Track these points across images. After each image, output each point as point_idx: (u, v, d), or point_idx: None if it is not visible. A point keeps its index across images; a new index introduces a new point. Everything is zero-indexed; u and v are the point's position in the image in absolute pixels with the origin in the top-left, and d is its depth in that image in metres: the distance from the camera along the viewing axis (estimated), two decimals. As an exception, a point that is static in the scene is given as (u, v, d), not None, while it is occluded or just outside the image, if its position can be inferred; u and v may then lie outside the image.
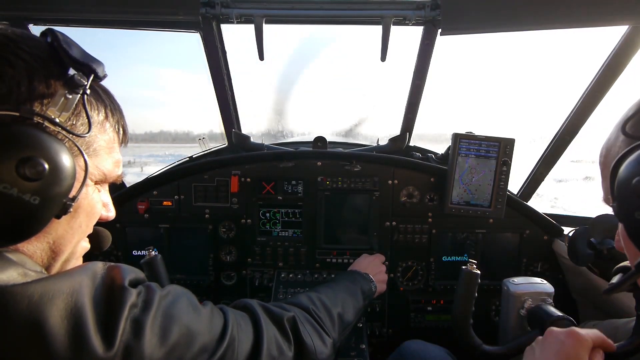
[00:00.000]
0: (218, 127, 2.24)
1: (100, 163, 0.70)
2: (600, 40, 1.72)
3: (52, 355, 0.50)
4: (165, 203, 1.83)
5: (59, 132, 0.59)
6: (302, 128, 2.67)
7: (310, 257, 1.85)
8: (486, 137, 1.67)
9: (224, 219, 1.85)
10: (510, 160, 1.65)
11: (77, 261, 0.74)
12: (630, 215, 0.48)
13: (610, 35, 1.67)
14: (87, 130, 0.64)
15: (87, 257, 0.71)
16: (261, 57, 1.73)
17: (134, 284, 0.65)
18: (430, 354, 1.35)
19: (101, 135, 0.69)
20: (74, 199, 0.61)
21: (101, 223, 0.78)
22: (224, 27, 1.78)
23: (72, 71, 0.60)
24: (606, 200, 0.67)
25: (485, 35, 1.67)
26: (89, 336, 0.53)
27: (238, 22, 1.67)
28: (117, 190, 1.89)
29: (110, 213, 0.80)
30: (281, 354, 0.85)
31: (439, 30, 1.65)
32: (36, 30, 1.66)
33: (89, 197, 0.69)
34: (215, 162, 1.84)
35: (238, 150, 2.14)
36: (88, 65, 0.62)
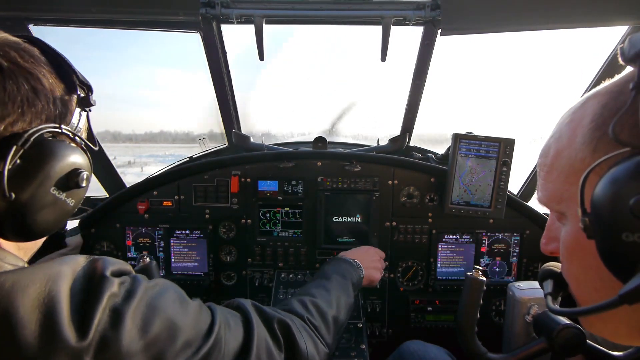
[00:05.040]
0: (218, 127, 2.24)
1: None
2: (600, 40, 1.72)
3: (22, 344, 0.50)
4: (165, 203, 1.83)
5: (80, 144, 0.69)
6: (302, 128, 2.67)
7: (311, 258, 1.85)
8: (486, 137, 1.67)
9: (224, 219, 1.85)
10: (511, 161, 1.65)
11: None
12: (614, 235, 0.42)
13: (610, 36, 1.67)
14: (95, 145, 0.73)
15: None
16: (261, 57, 1.73)
17: (118, 274, 0.65)
18: (430, 355, 1.35)
19: None
20: (82, 201, 0.69)
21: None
22: (224, 27, 1.78)
23: (80, 90, 0.69)
24: (547, 205, 0.60)
25: (485, 35, 1.68)
26: (61, 325, 0.52)
27: (238, 22, 1.67)
28: (117, 191, 1.90)
29: None
30: (271, 358, 0.83)
31: (439, 31, 1.65)
32: (36, 30, 1.66)
33: None
34: (216, 162, 1.84)
35: (238, 150, 2.14)
36: (89, 86, 0.71)
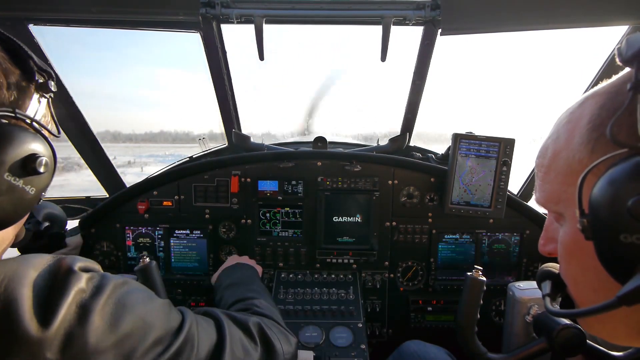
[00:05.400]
0: (218, 127, 2.24)
1: None
2: (600, 40, 1.72)
3: None
4: (165, 203, 1.83)
5: (40, 130, 0.66)
6: (301, 128, 2.67)
7: (311, 258, 1.85)
8: (486, 137, 1.67)
9: (224, 219, 1.85)
10: (511, 161, 1.65)
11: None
12: (612, 236, 0.41)
13: (610, 36, 1.67)
14: (57, 132, 0.71)
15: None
16: (261, 57, 1.73)
17: (86, 270, 0.65)
18: (430, 355, 1.35)
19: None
20: (45, 190, 0.68)
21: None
22: (224, 27, 1.78)
23: (38, 76, 0.66)
24: (545, 206, 0.60)
25: (485, 35, 1.67)
26: (21, 319, 0.52)
27: (238, 22, 1.67)
28: (117, 191, 1.90)
29: None
30: (247, 355, 0.86)
31: (439, 30, 1.65)
32: (36, 30, 1.66)
33: None
34: (216, 162, 1.84)
35: (238, 150, 2.14)
36: (49, 72, 0.68)
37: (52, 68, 0.72)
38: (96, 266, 0.69)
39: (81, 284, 0.61)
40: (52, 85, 0.68)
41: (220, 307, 1.17)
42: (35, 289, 0.56)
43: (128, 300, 0.65)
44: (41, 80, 0.66)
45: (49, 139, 0.68)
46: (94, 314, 0.59)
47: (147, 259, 1.34)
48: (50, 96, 0.69)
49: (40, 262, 0.61)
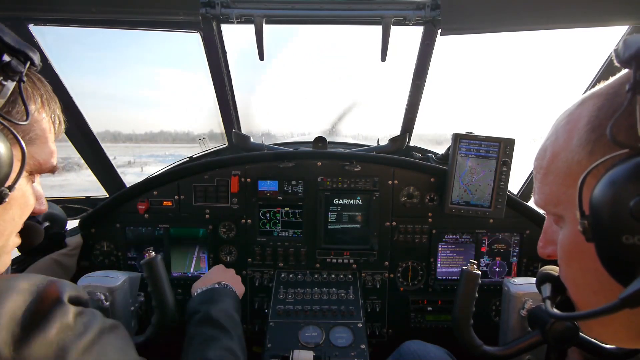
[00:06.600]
0: (218, 127, 2.24)
1: (36, 153, 0.68)
2: (601, 40, 1.72)
3: None
4: (165, 203, 1.83)
5: None
6: (302, 128, 2.67)
7: (311, 257, 1.85)
8: (486, 137, 1.67)
9: (224, 219, 1.85)
10: (511, 161, 1.65)
11: (7, 257, 0.71)
12: (613, 238, 0.41)
13: (610, 36, 1.67)
14: (24, 118, 0.62)
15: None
16: (261, 57, 1.73)
17: (75, 301, 0.60)
18: (430, 354, 1.35)
19: (37, 124, 0.67)
20: (10, 187, 0.59)
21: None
22: (224, 27, 1.78)
23: (7, 57, 0.59)
24: (544, 208, 0.60)
25: (485, 35, 1.67)
26: None
27: (238, 22, 1.67)
28: (117, 191, 1.90)
29: (43, 206, 0.76)
30: None
31: (439, 30, 1.65)
32: (36, 30, 1.66)
33: (22, 188, 0.66)
34: (216, 162, 1.84)
35: (238, 150, 2.14)
36: (24, 52, 0.61)
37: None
38: (85, 296, 0.64)
39: (67, 319, 0.56)
40: (17, 65, 0.60)
41: (190, 345, 1.08)
42: (17, 311, 0.52)
43: (109, 350, 0.61)
44: (10, 61, 0.59)
45: (16, 127, 0.61)
46: (71, 357, 0.54)
47: (153, 253, 1.34)
48: (20, 78, 0.61)
49: (27, 285, 0.56)
